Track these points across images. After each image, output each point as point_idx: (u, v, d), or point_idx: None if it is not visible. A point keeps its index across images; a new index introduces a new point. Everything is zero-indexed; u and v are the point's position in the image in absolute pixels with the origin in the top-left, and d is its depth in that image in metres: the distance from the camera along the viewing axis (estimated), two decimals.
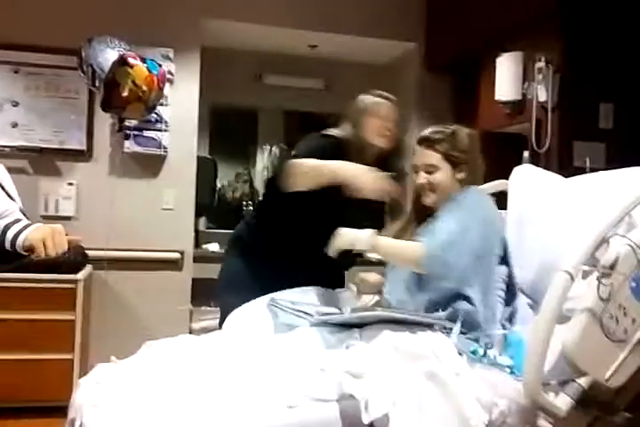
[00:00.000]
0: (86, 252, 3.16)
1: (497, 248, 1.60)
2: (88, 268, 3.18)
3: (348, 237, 1.66)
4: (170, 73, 3.47)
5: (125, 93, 2.99)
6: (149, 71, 3.05)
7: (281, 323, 1.60)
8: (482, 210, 1.65)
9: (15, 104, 3.31)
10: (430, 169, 1.72)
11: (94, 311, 3.27)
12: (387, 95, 2.22)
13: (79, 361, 2.95)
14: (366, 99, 2.19)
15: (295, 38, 3.84)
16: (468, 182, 1.72)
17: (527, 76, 2.97)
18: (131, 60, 3.01)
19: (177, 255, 3.50)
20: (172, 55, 3.46)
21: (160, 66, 3.18)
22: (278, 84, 4.02)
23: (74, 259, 3.05)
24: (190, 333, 3.12)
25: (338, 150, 2.14)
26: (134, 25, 3.37)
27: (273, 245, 2.08)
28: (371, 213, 2.12)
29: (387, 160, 2.16)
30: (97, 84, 3.09)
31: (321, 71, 4.26)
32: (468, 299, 1.51)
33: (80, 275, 2.99)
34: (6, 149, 3.28)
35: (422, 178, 1.74)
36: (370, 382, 1.20)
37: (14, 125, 3.31)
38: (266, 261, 2.04)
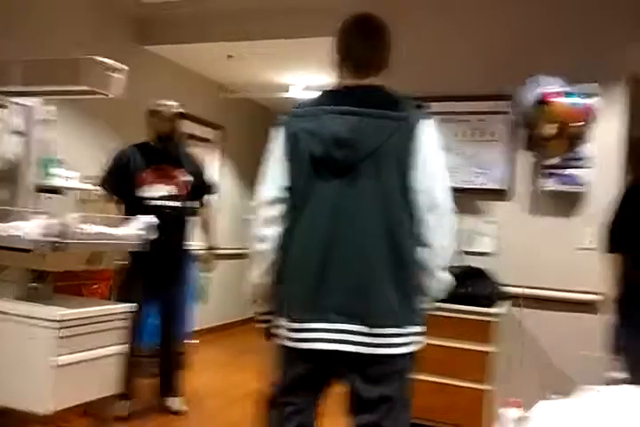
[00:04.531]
0: (503, 288, 3.27)
1: None
2: (506, 303, 3.28)
3: None
4: (593, 108, 3.36)
5: (542, 132, 3.02)
6: (570, 106, 3.01)
7: None
8: None
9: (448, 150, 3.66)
10: None
11: (506, 346, 3.34)
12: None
13: (491, 392, 3.04)
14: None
15: None
16: None
17: None
18: (548, 98, 3.03)
19: (592, 297, 3.33)
20: (595, 89, 3.35)
21: (588, 98, 3.10)
22: None
23: (490, 293, 3.19)
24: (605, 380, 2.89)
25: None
26: (562, 61, 3.37)
27: None
28: None
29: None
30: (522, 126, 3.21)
31: None
32: None
33: (496, 309, 3.10)
34: None
35: None
36: None
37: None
38: None
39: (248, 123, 6.28)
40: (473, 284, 3.13)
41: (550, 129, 3.17)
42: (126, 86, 2.66)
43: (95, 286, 3.35)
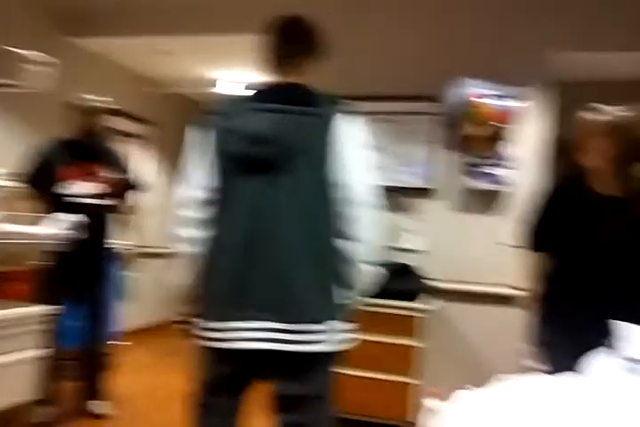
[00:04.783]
0: (430, 283, 3.34)
1: None
2: (434, 298, 3.35)
3: None
4: (517, 110, 3.47)
5: (466, 132, 3.10)
6: (492, 108, 3.11)
7: None
8: None
9: (377, 149, 3.70)
10: None
11: (434, 340, 3.41)
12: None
13: (419, 386, 3.11)
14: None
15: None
16: None
17: None
18: (474, 100, 3.11)
19: (511, 291, 3.44)
20: (520, 92, 3.46)
21: (510, 100, 3.20)
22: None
23: (417, 288, 3.25)
24: (525, 372, 2.99)
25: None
26: (488, 64, 3.46)
27: None
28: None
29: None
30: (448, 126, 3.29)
31: None
32: None
33: (422, 304, 3.16)
34: None
35: None
36: None
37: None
38: None
39: (179, 118, 6.16)
40: (400, 279, 3.19)
41: (476, 130, 3.25)
42: (51, 80, 2.56)
43: (15, 287, 3.21)
